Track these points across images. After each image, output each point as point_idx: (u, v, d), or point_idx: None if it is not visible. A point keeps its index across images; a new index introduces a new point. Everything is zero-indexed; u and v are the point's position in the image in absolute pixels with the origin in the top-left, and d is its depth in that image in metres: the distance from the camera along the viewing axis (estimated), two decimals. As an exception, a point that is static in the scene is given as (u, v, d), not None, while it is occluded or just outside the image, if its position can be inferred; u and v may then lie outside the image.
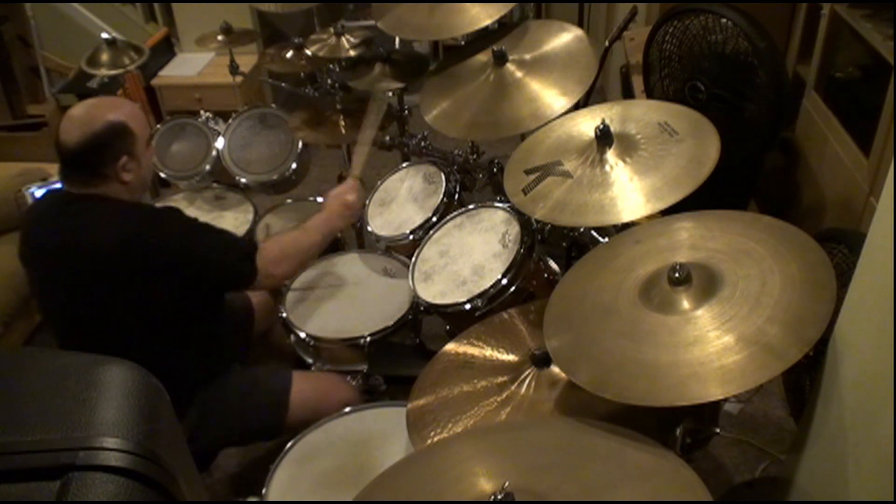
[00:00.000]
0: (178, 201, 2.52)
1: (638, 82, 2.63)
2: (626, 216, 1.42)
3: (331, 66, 2.61)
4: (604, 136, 1.52)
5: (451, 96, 2.00)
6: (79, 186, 1.61)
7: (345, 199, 1.95)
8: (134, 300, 1.61)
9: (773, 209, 2.40)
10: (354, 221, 2.00)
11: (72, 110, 1.60)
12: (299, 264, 1.86)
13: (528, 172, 1.59)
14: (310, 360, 2.00)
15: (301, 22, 3.73)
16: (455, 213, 2.03)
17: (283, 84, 2.91)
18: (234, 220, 2.42)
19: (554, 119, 1.76)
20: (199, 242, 1.67)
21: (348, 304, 2.07)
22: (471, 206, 2.01)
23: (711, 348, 1.10)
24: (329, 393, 1.83)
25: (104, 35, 2.74)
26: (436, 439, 1.36)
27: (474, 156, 2.25)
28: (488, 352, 1.54)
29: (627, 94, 2.85)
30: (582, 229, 1.82)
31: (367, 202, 2.28)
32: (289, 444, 1.61)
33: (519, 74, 1.93)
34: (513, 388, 1.40)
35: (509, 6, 2.07)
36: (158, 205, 1.71)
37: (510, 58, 1.95)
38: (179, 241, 1.63)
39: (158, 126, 2.51)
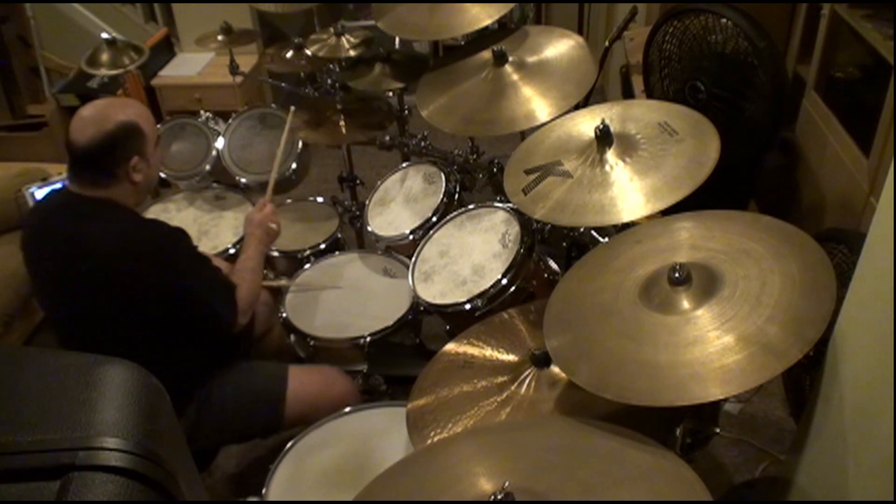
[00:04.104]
0: (178, 201, 2.51)
1: (638, 82, 2.63)
2: (626, 216, 1.42)
3: (331, 66, 2.61)
4: (604, 136, 1.52)
5: (448, 92, 2.00)
6: (87, 187, 1.61)
7: (269, 228, 1.95)
8: (132, 304, 1.62)
9: (773, 209, 2.40)
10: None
11: (82, 110, 1.61)
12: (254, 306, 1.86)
13: (528, 172, 1.59)
14: (309, 361, 2.00)
15: (301, 22, 3.73)
16: (455, 213, 2.03)
17: (282, 84, 2.91)
18: (234, 220, 2.42)
19: (552, 120, 1.76)
20: (196, 276, 1.69)
21: (348, 304, 2.07)
22: (471, 206, 2.01)
23: (711, 348, 1.10)
24: (326, 386, 1.83)
25: (104, 35, 2.74)
26: (436, 439, 1.36)
27: (474, 156, 2.25)
28: (488, 352, 1.54)
29: (627, 94, 2.85)
30: (582, 229, 1.82)
31: (368, 202, 2.28)
32: (289, 444, 1.61)
33: (516, 77, 1.93)
34: (513, 388, 1.40)
35: (509, 6, 2.07)
36: (169, 222, 1.72)
37: (509, 59, 1.95)
38: (178, 268, 1.64)
39: (158, 126, 2.50)
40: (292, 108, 2.29)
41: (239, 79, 2.83)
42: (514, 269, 1.76)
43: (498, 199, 2.02)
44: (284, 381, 1.79)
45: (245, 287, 1.77)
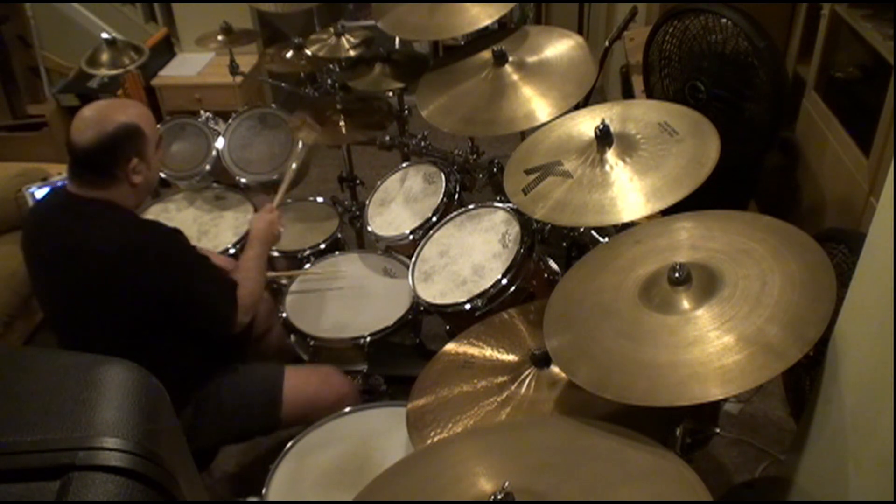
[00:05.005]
0: (178, 201, 2.51)
1: (638, 82, 2.63)
2: (626, 216, 1.42)
3: (331, 66, 2.61)
4: (604, 136, 1.52)
5: (448, 92, 2.00)
6: (87, 187, 1.61)
7: (275, 230, 1.95)
8: (131, 305, 1.62)
9: (773, 209, 2.40)
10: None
11: (83, 111, 1.61)
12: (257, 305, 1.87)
13: (528, 172, 1.59)
14: (310, 361, 2.01)
15: (301, 22, 3.73)
16: (455, 213, 2.03)
17: (282, 84, 2.91)
18: (234, 220, 2.42)
19: (552, 120, 1.76)
20: (195, 276, 1.69)
21: (348, 304, 2.07)
22: (471, 206, 2.01)
23: (711, 348, 1.10)
24: (324, 385, 1.83)
25: (104, 35, 2.74)
26: (436, 439, 1.36)
27: (474, 156, 2.25)
28: (488, 352, 1.54)
29: (627, 94, 2.85)
30: (582, 229, 1.82)
31: (368, 202, 2.28)
32: (289, 444, 1.61)
33: (516, 77, 1.93)
34: (513, 388, 1.40)
35: (509, 6, 2.07)
36: (166, 223, 1.72)
37: (510, 59, 1.95)
38: (176, 268, 1.64)
39: (158, 126, 2.50)
40: (300, 144, 2.32)
41: (239, 79, 2.83)
42: (514, 269, 1.76)
43: (498, 199, 2.02)
44: (280, 382, 1.79)
45: (247, 286, 1.77)
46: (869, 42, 2.00)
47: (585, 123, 1.64)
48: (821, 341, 1.10)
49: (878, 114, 1.91)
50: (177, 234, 1.69)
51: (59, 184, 2.61)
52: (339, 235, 2.41)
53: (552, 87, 1.87)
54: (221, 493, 2.10)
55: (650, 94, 2.48)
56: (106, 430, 0.64)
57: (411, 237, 2.06)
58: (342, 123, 2.35)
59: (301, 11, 3.39)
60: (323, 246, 2.35)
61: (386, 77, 2.42)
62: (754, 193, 2.55)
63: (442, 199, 2.09)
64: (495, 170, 2.13)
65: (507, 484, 1.00)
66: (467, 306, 1.75)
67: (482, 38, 2.12)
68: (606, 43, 2.48)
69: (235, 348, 1.87)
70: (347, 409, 1.68)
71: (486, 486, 1.08)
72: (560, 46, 1.98)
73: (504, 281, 1.75)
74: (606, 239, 1.74)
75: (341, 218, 2.48)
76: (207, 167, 2.47)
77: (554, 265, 1.92)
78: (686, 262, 1.22)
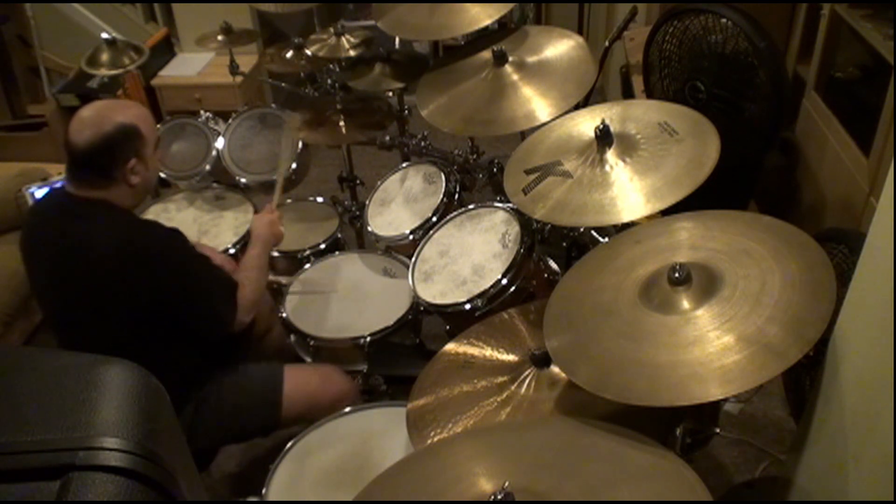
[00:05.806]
0: (178, 201, 2.52)
1: (638, 82, 2.63)
2: (626, 216, 1.42)
3: (331, 66, 2.61)
4: (604, 136, 1.52)
5: (448, 92, 2.00)
6: (85, 188, 1.61)
7: (276, 230, 1.95)
8: (128, 305, 1.62)
9: (773, 209, 2.40)
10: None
11: (82, 111, 1.61)
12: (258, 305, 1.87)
13: (528, 172, 1.59)
14: (309, 360, 2.01)
15: (301, 22, 3.73)
16: (455, 213, 2.03)
17: (282, 84, 2.91)
18: (234, 220, 2.42)
19: (552, 120, 1.76)
20: (194, 276, 1.69)
21: (348, 304, 2.07)
22: (471, 206, 2.01)
23: (711, 348, 1.10)
24: (324, 384, 1.83)
25: (104, 35, 2.74)
26: (436, 439, 1.36)
27: (474, 156, 2.25)
28: (488, 352, 1.54)
29: (627, 94, 2.85)
30: (582, 229, 1.82)
31: (368, 202, 2.28)
32: (289, 444, 1.61)
33: (516, 77, 1.93)
34: (513, 388, 1.40)
35: (509, 6, 2.07)
36: (165, 224, 1.72)
37: (510, 59, 1.95)
38: (175, 268, 1.64)
39: (158, 126, 2.50)
40: (291, 116, 2.28)
41: (239, 79, 2.83)
42: (514, 269, 1.76)
43: (498, 199, 2.02)
44: (280, 382, 1.79)
45: (249, 286, 1.77)
46: (869, 42, 2.00)
47: (585, 123, 1.64)
48: (821, 341, 1.10)
49: (878, 114, 1.92)
50: (176, 234, 1.68)
51: (59, 184, 2.61)
52: (339, 235, 2.41)
53: (552, 87, 1.87)
54: (221, 493, 2.10)
55: (650, 94, 2.48)
56: (106, 430, 0.63)
57: (411, 237, 2.06)
58: (342, 123, 2.35)
59: (301, 11, 3.40)
60: (323, 246, 2.35)
61: (386, 77, 2.42)
62: (754, 193, 2.55)
63: (442, 199, 2.09)
64: (495, 170, 2.13)
65: (507, 484, 1.00)
66: (467, 306, 1.75)
67: (482, 38, 2.12)
68: (606, 43, 2.48)
69: (236, 348, 1.87)
70: (347, 409, 1.68)
71: (486, 486, 1.08)
72: (560, 46, 1.98)
73: (504, 281, 1.75)
74: (606, 239, 1.74)
75: (341, 218, 2.48)
76: (207, 167, 2.47)
77: (554, 265, 1.92)
78: (686, 262, 1.22)
